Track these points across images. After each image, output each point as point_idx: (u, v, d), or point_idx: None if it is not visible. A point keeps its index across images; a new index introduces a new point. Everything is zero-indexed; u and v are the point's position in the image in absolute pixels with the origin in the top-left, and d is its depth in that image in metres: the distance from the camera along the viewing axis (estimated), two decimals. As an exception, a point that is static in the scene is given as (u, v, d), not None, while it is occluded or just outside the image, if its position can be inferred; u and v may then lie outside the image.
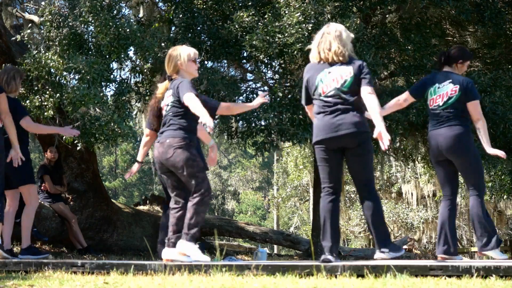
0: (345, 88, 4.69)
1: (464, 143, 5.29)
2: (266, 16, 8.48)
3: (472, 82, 5.51)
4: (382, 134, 4.53)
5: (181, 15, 9.41)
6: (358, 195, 4.85)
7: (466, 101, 5.32)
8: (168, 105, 4.96)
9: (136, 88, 9.40)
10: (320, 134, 4.72)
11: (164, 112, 5.02)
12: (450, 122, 5.32)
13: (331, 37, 4.77)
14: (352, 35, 4.89)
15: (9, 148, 5.71)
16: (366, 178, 4.74)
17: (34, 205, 6.25)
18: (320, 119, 4.74)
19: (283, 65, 9.37)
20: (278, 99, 9.04)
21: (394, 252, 4.57)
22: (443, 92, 5.38)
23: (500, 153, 5.34)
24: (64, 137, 7.71)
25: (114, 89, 8.70)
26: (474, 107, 5.33)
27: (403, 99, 5.54)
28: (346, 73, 4.71)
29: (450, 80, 5.39)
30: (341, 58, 4.72)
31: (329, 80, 4.73)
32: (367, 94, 4.64)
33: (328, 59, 4.75)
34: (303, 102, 5.00)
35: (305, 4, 8.17)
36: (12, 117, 5.62)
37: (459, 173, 5.41)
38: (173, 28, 10.12)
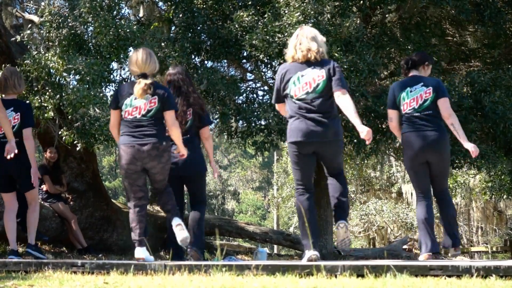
0: (317, 93, 4.80)
1: (447, 145, 5.48)
2: (266, 15, 8.48)
3: (441, 81, 5.68)
4: (366, 135, 4.73)
5: (181, 15, 9.40)
6: (328, 176, 5.01)
7: (437, 99, 5.40)
8: (149, 110, 5.08)
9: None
10: (292, 136, 4.85)
11: (135, 113, 5.10)
12: (432, 125, 5.41)
13: (308, 38, 4.88)
14: (324, 39, 5.03)
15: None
16: (338, 166, 4.94)
17: (38, 206, 6.32)
18: (292, 123, 4.86)
19: (283, 65, 9.35)
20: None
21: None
22: (417, 95, 5.43)
23: (474, 150, 5.41)
24: (63, 137, 7.70)
25: (114, 89, 8.69)
26: (444, 104, 5.43)
27: (391, 119, 5.59)
28: (319, 76, 4.80)
29: (422, 83, 5.47)
30: (318, 58, 4.83)
31: (301, 83, 4.82)
32: (339, 97, 4.79)
33: (305, 58, 4.85)
34: (273, 101, 5.12)
35: (304, 4, 8.17)
36: (21, 121, 5.86)
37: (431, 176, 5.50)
38: (173, 28, 10.11)
